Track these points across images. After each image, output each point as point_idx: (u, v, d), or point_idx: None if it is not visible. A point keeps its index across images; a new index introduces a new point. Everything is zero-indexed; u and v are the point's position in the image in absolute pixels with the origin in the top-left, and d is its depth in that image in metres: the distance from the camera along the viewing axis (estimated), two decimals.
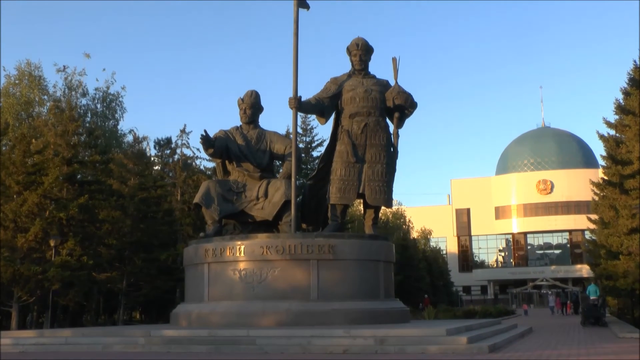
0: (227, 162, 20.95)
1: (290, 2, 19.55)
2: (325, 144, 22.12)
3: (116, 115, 50.60)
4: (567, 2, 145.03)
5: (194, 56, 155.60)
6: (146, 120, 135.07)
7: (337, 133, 19.95)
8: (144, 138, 47.42)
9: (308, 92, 21.09)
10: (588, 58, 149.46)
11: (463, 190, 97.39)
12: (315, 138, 43.80)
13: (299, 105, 19.19)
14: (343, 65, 76.16)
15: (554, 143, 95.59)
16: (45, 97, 46.04)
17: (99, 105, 49.68)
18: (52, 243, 26.89)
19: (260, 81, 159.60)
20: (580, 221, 72.31)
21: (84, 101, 48.23)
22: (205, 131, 19.34)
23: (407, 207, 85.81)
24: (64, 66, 47.01)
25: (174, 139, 44.43)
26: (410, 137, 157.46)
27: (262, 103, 21.43)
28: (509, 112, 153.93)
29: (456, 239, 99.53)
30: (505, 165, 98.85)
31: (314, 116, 26.37)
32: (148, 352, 15.22)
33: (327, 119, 20.49)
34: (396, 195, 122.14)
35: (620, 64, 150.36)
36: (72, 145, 31.75)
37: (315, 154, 42.66)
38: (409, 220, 77.18)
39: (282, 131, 34.79)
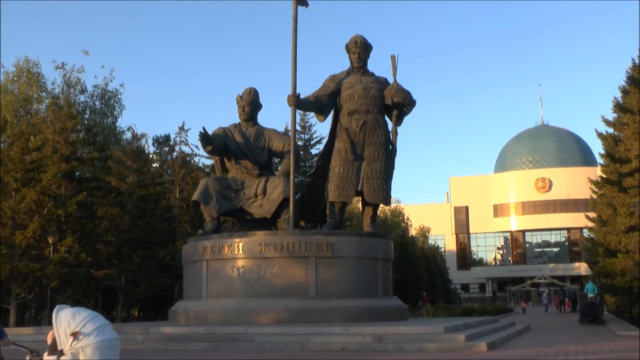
0: (225, 159, 20.96)
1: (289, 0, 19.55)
2: (324, 141, 22.16)
3: (115, 112, 50.52)
4: (566, 1, 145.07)
5: (193, 53, 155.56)
6: (145, 118, 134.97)
7: (335, 130, 19.96)
8: (143, 135, 47.34)
9: (307, 90, 21.20)
10: (587, 56, 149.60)
11: (462, 188, 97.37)
12: (314, 135, 43.78)
13: (298, 103, 19.20)
14: (342, 63, 76.06)
15: (553, 141, 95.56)
16: (44, 94, 45.94)
17: (97, 103, 49.59)
18: (50, 240, 26.86)
19: (259, 79, 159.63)
20: (578, 219, 72.31)
21: (82, 98, 48.16)
22: (203, 128, 19.36)
23: (405, 204, 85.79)
24: (63, 63, 46.92)
25: (172, 136, 44.38)
26: (409, 134, 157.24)
27: (261, 100, 21.45)
28: (508, 110, 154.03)
29: (455, 236, 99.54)
30: (503, 163, 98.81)
31: (312, 114, 26.35)
32: (146, 350, 15.24)
33: (325, 116, 20.49)
34: (395, 193, 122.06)
35: (619, 63, 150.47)
36: (70, 143, 31.68)
37: (314, 151, 42.61)
38: (408, 218, 77.02)
39: (281, 129, 34.76)
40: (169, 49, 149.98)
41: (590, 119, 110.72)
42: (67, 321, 4.92)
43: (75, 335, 4.80)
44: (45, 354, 5.69)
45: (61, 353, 4.91)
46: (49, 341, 5.77)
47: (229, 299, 18.04)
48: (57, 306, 5.25)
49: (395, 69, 19.50)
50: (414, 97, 19.82)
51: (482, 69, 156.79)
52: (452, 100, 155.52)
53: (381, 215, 58.44)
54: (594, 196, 39.19)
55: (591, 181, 38.90)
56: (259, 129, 20.95)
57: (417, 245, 66.53)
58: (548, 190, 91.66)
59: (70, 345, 4.81)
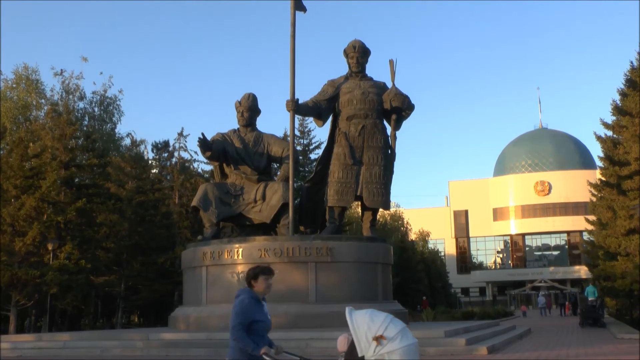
0: (224, 165, 20.97)
1: (287, 4, 19.61)
2: (323, 146, 22.19)
3: (113, 118, 50.53)
4: (565, 4, 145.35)
5: (192, 59, 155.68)
6: (144, 124, 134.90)
7: (334, 135, 19.97)
8: (142, 141, 47.35)
9: (305, 95, 21.13)
10: (585, 59, 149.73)
11: (461, 192, 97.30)
12: (313, 140, 43.74)
13: (296, 108, 19.22)
14: (341, 68, 76.00)
15: (552, 144, 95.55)
16: (43, 100, 45.94)
17: (96, 109, 49.60)
18: (50, 247, 26.85)
19: (257, 84, 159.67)
20: (578, 222, 72.26)
21: (81, 105, 48.15)
22: (202, 134, 19.38)
23: (405, 209, 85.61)
24: (61, 70, 46.88)
25: (171, 142, 44.35)
26: (407, 139, 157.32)
27: (260, 106, 21.47)
28: (507, 113, 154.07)
29: (454, 240, 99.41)
30: (502, 166, 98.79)
31: (311, 118, 26.39)
32: (146, 356, 15.21)
33: (324, 121, 20.52)
34: (394, 197, 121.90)
35: (617, 65, 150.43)
36: (69, 149, 31.69)
37: (312, 156, 42.58)
38: (407, 222, 76.90)
39: (280, 134, 34.79)
40: (168, 55, 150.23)
41: (589, 122, 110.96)
42: (366, 324, 4.56)
43: (378, 339, 4.44)
44: None
45: (362, 359, 4.51)
46: (343, 347, 5.38)
47: (229, 304, 17.86)
48: (348, 308, 4.84)
49: (393, 73, 19.52)
50: (413, 102, 19.85)
51: (481, 73, 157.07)
52: (450, 104, 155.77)
53: (380, 220, 58.41)
54: (594, 199, 39.20)
55: (590, 184, 38.90)
56: (258, 134, 20.96)
57: (416, 250, 66.45)
58: (547, 194, 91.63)
59: (374, 351, 4.43)
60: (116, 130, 50.78)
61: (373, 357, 4.43)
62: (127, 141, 48.94)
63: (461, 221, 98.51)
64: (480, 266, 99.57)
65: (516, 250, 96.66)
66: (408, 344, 4.43)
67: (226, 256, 18.25)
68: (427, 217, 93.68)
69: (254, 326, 5.47)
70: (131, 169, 38.03)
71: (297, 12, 19.49)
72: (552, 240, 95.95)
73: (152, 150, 44.68)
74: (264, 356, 5.38)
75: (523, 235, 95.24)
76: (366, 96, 19.75)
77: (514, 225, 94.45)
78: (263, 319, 5.59)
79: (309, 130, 43.64)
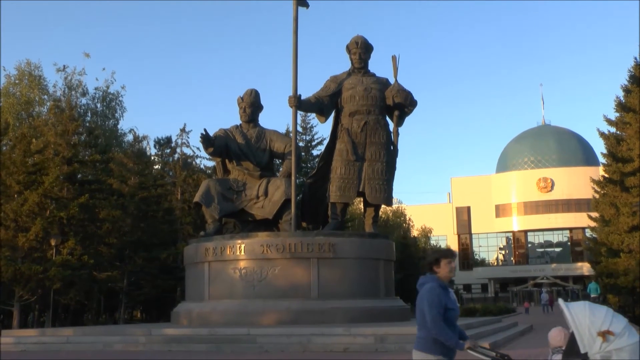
0: (227, 160, 20.98)
1: (289, 1, 19.57)
2: (325, 142, 22.17)
3: (116, 114, 50.64)
4: (567, 2, 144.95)
5: (194, 55, 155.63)
6: (146, 120, 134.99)
7: (337, 131, 19.95)
8: (144, 137, 47.37)
9: (308, 91, 21.16)
10: (588, 56, 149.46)
11: (463, 189, 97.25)
12: (315, 136, 43.79)
13: (299, 104, 19.20)
14: (343, 64, 75.93)
15: (554, 141, 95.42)
16: (45, 96, 46.04)
17: (98, 105, 49.69)
18: (52, 242, 26.93)
19: (260, 80, 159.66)
20: (580, 219, 72.14)
21: (83, 101, 48.25)
22: (205, 130, 19.36)
23: (407, 205, 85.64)
24: (64, 66, 47.02)
25: (174, 138, 44.43)
26: (410, 135, 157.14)
27: (262, 102, 21.46)
28: (509, 110, 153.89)
29: (456, 237, 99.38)
30: (505, 163, 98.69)
31: (313, 114, 26.38)
32: (149, 351, 15.25)
33: (326, 117, 20.49)
34: (396, 194, 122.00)
35: (621, 62, 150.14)
36: (72, 145, 31.75)
37: (315, 152, 42.64)
38: (409, 219, 76.87)
39: (282, 130, 34.77)
40: (170, 51, 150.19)
41: (592, 118, 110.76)
42: (587, 318, 4.19)
43: (605, 335, 4.07)
44: (555, 356, 4.95)
45: (585, 356, 4.14)
46: (559, 342, 5.03)
47: (231, 300, 18.04)
48: (560, 300, 4.52)
49: (396, 69, 19.47)
50: (415, 98, 19.81)
51: (484, 69, 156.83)
52: (453, 100, 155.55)
53: (383, 216, 58.39)
54: (596, 196, 39.18)
55: (593, 181, 38.87)
56: (260, 130, 20.96)
57: (419, 246, 66.48)
58: (550, 190, 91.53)
59: (600, 348, 4.07)
60: (119, 126, 50.93)
61: (599, 355, 4.08)
62: (130, 137, 49.04)
63: (463, 218, 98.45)
64: (482, 263, 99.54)
65: (518, 247, 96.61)
66: (636, 340, 4.10)
67: (228, 252, 18.26)
68: (429, 213, 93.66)
69: (446, 315, 4.99)
70: (134, 165, 38.08)
71: (300, 8, 19.47)
72: (555, 237, 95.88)
73: (155, 146, 44.78)
74: (469, 351, 4.91)
75: (525, 232, 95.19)
76: (369, 92, 19.72)
77: (517, 222, 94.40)
78: (453, 307, 5.07)
79: (312, 127, 43.69)
